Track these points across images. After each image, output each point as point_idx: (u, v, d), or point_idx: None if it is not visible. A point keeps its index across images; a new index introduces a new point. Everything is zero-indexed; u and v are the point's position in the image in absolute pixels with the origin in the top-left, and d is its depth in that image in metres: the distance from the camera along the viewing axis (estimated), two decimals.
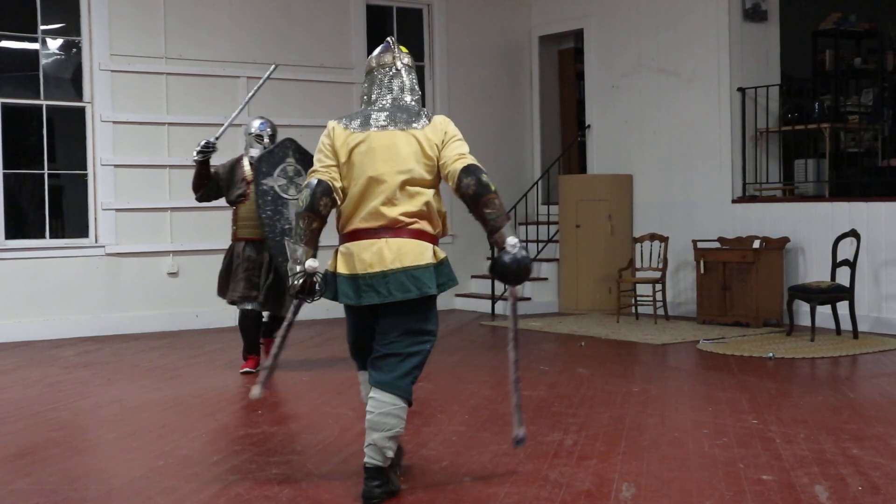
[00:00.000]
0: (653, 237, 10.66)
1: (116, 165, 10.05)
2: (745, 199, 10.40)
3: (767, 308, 9.72)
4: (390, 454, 4.23)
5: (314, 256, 4.33)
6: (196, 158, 7.46)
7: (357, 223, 4.28)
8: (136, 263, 10.12)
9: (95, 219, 10.04)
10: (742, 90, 10.38)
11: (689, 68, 10.79)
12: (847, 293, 8.90)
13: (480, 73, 12.22)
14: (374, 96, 4.44)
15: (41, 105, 10.01)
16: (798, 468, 4.68)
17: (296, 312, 4.45)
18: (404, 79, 4.48)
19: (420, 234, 4.26)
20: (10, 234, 9.74)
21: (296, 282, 4.29)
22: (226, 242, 7.96)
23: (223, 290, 7.64)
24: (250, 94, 7.82)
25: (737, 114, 10.43)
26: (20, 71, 10.20)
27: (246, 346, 7.61)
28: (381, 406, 4.19)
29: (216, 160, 7.75)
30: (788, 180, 10.57)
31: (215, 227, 10.31)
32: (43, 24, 10.02)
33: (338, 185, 4.30)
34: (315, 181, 4.27)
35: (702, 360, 8.02)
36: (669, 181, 10.99)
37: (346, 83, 11.29)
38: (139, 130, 10.17)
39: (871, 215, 9.29)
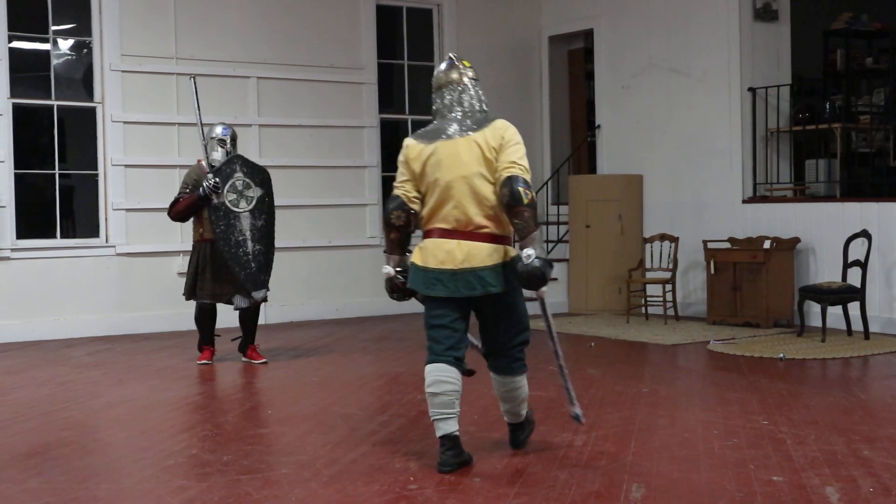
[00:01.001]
0: (663, 237, 10.65)
1: (127, 165, 10.07)
2: (755, 199, 10.37)
3: (778, 309, 9.69)
4: (523, 413, 5.02)
5: (400, 262, 4.90)
6: (214, 200, 7.68)
7: (434, 223, 4.75)
8: (147, 263, 10.14)
9: (106, 219, 10.06)
10: (753, 90, 10.35)
11: (699, 68, 10.76)
12: (858, 294, 8.87)
13: (490, 73, 12.18)
14: (445, 111, 4.89)
15: (52, 105, 10.03)
16: (809, 469, 4.67)
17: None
18: (472, 92, 4.93)
19: (489, 238, 4.67)
20: (21, 234, 9.76)
21: (386, 286, 4.97)
22: None
23: (191, 292, 7.88)
24: (198, 110, 7.97)
25: (747, 114, 10.41)
26: (31, 71, 10.23)
27: (202, 338, 8.03)
28: (505, 386, 4.91)
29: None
30: (799, 180, 10.54)
31: None
32: (54, 24, 10.06)
33: (412, 195, 4.81)
34: (392, 197, 4.85)
35: (712, 361, 8.00)
36: (680, 181, 10.97)
37: (357, 83, 11.29)
38: (149, 131, 10.19)
39: (882, 215, 9.26)
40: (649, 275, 10.75)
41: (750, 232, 10.18)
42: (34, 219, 10.51)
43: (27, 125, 10.31)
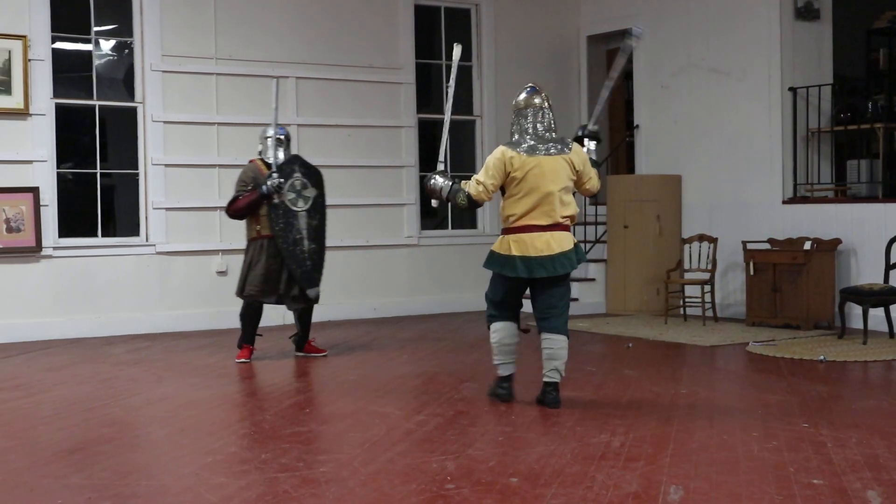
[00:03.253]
0: (701, 238, 10.58)
1: (167, 165, 10.16)
2: (796, 199, 10.28)
3: (818, 310, 9.60)
4: (564, 373, 6.15)
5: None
6: (275, 199, 7.88)
7: (531, 220, 6.03)
8: (186, 262, 10.22)
9: (146, 218, 10.15)
10: (793, 90, 10.26)
11: (739, 68, 10.68)
12: None
13: (528, 73, 12.14)
14: (530, 129, 6.11)
15: (94, 105, 10.14)
16: (850, 473, 4.62)
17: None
18: (550, 116, 6.18)
19: (567, 229, 6.14)
20: (63, 233, 9.87)
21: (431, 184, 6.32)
22: None
23: (241, 289, 8.04)
24: (275, 111, 8.08)
25: (788, 114, 10.32)
26: (74, 72, 10.35)
27: (244, 335, 8.10)
28: (556, 343, 6.10)
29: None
30: (841, 181, 10.43)
31: None
32: (96, 25, 10.16)
33: (487, 197, 6.15)
34: (474, 201, 6.15)
35: (751, 363, 7.94)
36: (719, 182, 10.89)
37: (395, 83, 11.32)
38: (189, 130, 10.27)
39: None
40: (688, 276, 10.68)
41: (790, 233, 10.09)
42: (76, 217, 10.64)
43: (69, 125, 10.43)
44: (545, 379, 6.13)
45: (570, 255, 6.06)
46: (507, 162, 6.02)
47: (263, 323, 8.34)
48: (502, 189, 6.14)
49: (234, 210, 8.01)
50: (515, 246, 6.03)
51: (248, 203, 7.92)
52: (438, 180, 6.26)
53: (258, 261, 7.94)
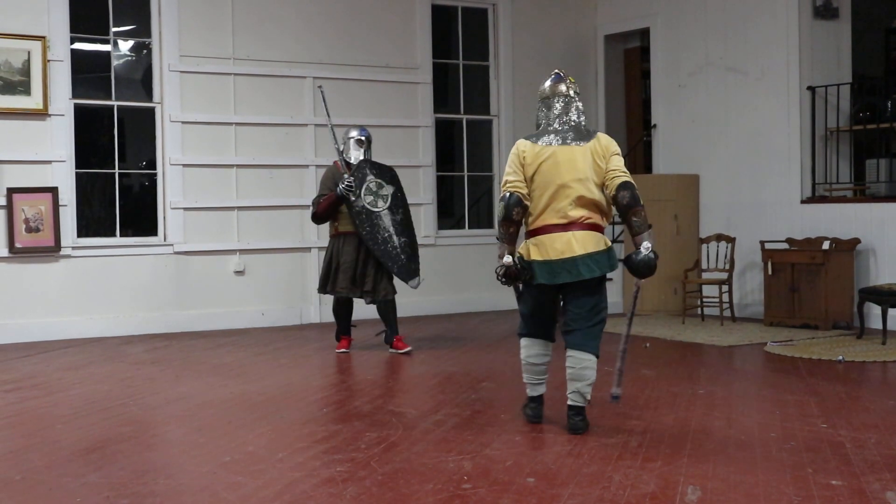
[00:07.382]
0: (719, 238, 10.55)
1: (185, 165, 10.20)
2: (814, 199, 10.23)
3: (837, 310, 9.55)
4: (588, 397, 5.45)
5: (513, 253, 5.47)
6: (351, 198, 8.15)
7: (547, 220, 5.41)
8: (204, 262, 10.25)
9: (164, 217, 10.19)
10: (812, 89, 10.21)
11: (757, 67, 10.64)
12: None
13: (546, 73, 12.10)
14: (553, 119, 5.62)
15: (112, 106, 10.19)
16: (869, 473, 4.59)
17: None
18: (576, 104, 5.66)
19: (595, 227, 5.45)
20: (81, 233, 9.92)
21: (499, 271, 5.48)
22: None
23: (323, 286, 8.37)
24: (328, 115, 8.69)
25: (806, 113, 10.27)
26: (93, 72, 10.40)
27: (339, 328, 8.56)
28: (580, 363, 5.41)
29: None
30: (860, 180, 10.38)
31: (282, 226, 10.43)
32: (115, 26, 10.20)
33: (525, 192, 5.44)
34: (508, 195, 5.43)
35: (769, 363, 7.91)
36: (737, 181, 10.86)
37: (412, 83, 11.32)
38: (207, 130, 10.31)
39: None
40: (705, 275, 10.65)
41: (808, 232, 10.05)
42: (95, 217, 10.69)
43: (88, 125, 10.48)
44: (567, 402, 5.50)
45: (598, 258, 5.39)
46: (520, 154, 5.50)
47: (362, 315, 8.43)
48: None
49: (316, 215, 8.33)
50: (535, 249, 5.41)
51: (328, 205, 8.21)
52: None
53: (337, 261, 8.23)
